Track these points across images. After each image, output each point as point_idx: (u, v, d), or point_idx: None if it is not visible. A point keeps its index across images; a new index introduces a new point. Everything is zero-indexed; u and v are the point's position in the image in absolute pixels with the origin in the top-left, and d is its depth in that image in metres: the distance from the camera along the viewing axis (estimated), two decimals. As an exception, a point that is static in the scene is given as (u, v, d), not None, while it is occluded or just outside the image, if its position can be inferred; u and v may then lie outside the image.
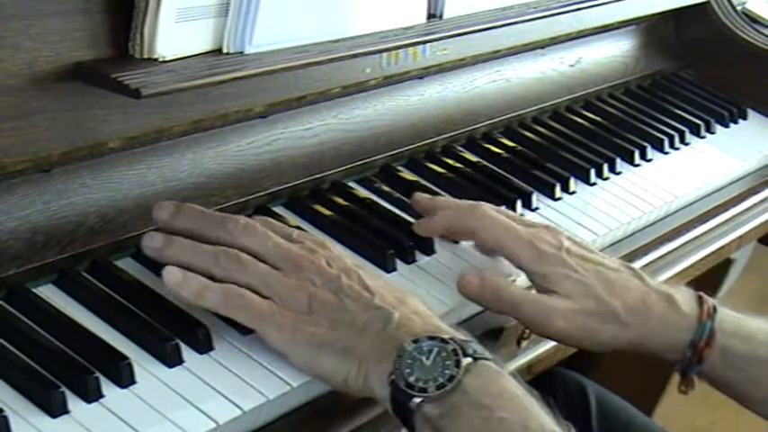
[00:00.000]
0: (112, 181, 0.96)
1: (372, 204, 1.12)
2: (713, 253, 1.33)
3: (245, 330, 0.88)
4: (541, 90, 1.44)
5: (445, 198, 1.11)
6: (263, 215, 1.00)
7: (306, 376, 0.86)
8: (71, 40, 0.88)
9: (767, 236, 1.51)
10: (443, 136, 1.28)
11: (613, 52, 1.58)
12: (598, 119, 1.46)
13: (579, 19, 1.42)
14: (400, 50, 1.18)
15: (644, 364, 1.22)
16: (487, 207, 1.04)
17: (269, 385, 0.85)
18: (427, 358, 0.81)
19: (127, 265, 0.94)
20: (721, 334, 0.98)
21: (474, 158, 1.27)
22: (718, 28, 1.65)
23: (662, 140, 1.43)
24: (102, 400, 0.79)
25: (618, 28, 1.57)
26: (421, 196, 1.10)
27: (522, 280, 1.03)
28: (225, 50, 0.97)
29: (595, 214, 1.23)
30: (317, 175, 1.12)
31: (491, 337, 1.03)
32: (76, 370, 0.80)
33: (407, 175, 1.20)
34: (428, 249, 1.07)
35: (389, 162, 1.21)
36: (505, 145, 1.33)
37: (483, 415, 0.78)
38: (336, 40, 1.05)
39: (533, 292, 1.00)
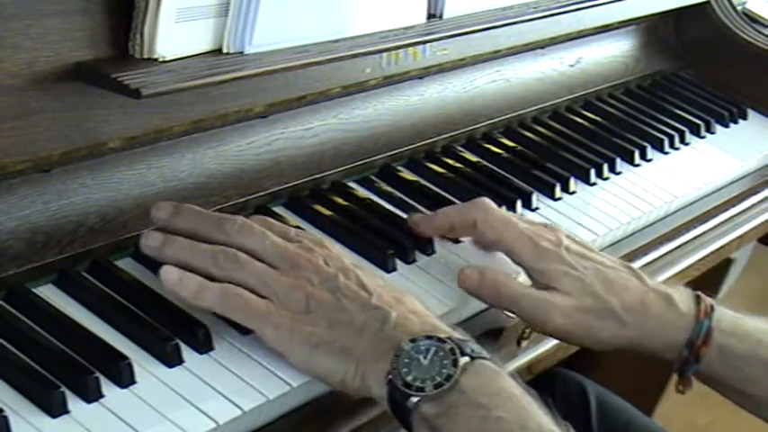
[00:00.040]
0: (112, 181, 0.96)
1: (372, 204, 1.13)
2: (713, 253, 1.33)
3: (245, 330, 0.88)
4: (541, 90, 1.44)
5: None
6: (263, 215, 1.00)
7: (306, 376, 0.86)
8: (71, 40, 0.88)
9: (767, 236, 1.51)
10: (443, 136, 1.28)
11: (613, 52, 1.59)
12: (598, 119, 1.46)
13: (579, 19, 1.42)
14: (400, 50, 1.18)
15: (644, 363, 1.22)
16: (490, 201, 1.04)
17: (269, 385, 0.85)
18: (425, 357, 0.81)
19: (127, 265, 0.94)
20: (719, 333, 0.98)
21: (474, 158, 1.28)
22: (718, 28, 1.65)
23: (662, 140, 1.43)
24: (102, 400, 0.79)
25: (618, 28, 1.57)
26: (416, 215, 1.09)
27: (522, 279, 1.03)
28: (225, 50, 0.97)
29: (595, 214, 1.23)
30: (317, 175, 1.12)
31: (491, 336, 1.03)
32: (76, 370, 0.80)
33: (407, 175, 1.20)
34: (428, 249, 1.07)
35: (389, 162, 1.21)
36: (505, 145, 1.33)
37: (480, 414, 0.78)
38: (336, 40, 1.05)
39: (532, 288, 1.00)
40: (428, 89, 1.29)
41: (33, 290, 0.88)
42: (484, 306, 1.02)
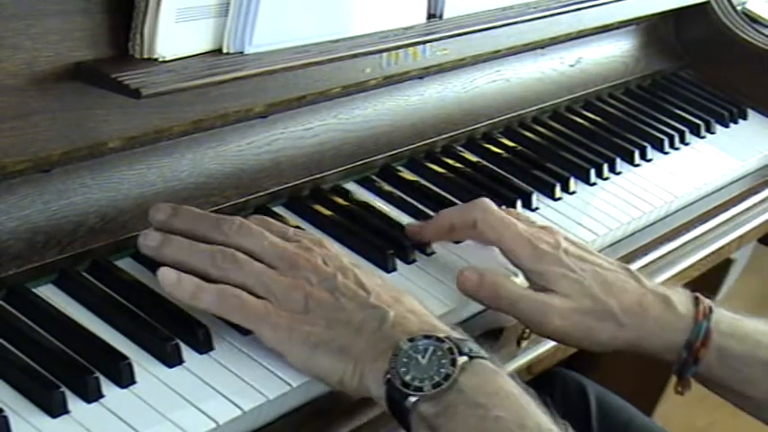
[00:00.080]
0: (112, 181, 0.96)
1: (372, 204, 1.13)
2: (713, 253, 1.33)
3: (245, 330, 0.88)
4: (541, 90, 1.44)
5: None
6: (263, 215, 1.00)
7: (306, 376, 0.86)
8: (71, 40, 0.88)
9: (767, 236, 1.51)
10: (443, 136, 1.28)
11: (613, 52, 1.59)
12: (598, 119, 1.46)
13: (579, 19, 1.42)
14: (400, 50, 1.18)
15: (643, 364, 1.22)
16: (490, 202, 1.04)
17: (269, 385, 0.85)
18: (423, 357, 0.81)
19: (127, 265, 0.94)
20: (718, 334, 0.98)
21: (474, 158, 1.28)
22: (718, 28, 1.65)
23: (662, 140, 1.44)
24: (102, 400, 0.80)
25: (618, 28, 1.57)
26: (413, 224, 1.09)
27: (520, 280, 1.03)
28: (225, 50, 0.97)
29: (595, 214, 1.23)
30: (317, 175, 1.12)
31: (491, 337, 1.03)
32: (76, 370, 0.80)
33: (407, 175, 1.21)
34: (428, 249, 1.07)
35: (389, 162, 1.21)
36: (505, 145, 1.33)
37: (479, 414, 0.78)
38: (336, 40, 1.05)
39: (531, 290, 1.00)
40: (428, 89, 1.29)
41: (33, 290, 0.88)
42: (484, 306, 1.02)
